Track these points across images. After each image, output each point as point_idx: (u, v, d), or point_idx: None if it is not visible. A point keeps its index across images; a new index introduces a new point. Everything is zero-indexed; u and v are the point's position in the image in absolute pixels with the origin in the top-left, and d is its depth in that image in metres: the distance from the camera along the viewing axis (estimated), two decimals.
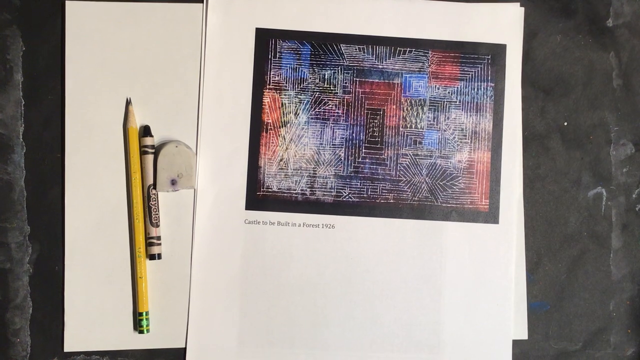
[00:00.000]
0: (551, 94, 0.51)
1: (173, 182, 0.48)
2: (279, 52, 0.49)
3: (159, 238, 0.48)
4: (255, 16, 0.49)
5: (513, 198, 0.50)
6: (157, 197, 0.48)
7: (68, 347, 0.48)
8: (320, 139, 0.50)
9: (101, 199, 0.48)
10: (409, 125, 0.50)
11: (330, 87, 0.50)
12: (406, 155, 0.50)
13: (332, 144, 0.50)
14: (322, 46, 0.49)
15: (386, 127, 0.50)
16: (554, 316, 0.50)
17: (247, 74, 0.49)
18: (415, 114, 0.50)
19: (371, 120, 0.50)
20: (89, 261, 0.48)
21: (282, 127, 0.49)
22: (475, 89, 0.50)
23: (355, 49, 0.49)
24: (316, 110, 0.50)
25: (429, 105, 0.50)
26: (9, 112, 0.49)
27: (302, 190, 0.49)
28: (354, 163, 0.50)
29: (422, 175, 0.50)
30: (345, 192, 0.49)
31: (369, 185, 0.50)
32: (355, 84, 0.50)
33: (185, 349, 0.48)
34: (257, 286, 0.49)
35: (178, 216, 0.49)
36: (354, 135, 0.50)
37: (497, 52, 0.50)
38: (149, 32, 0.49)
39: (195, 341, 0.48)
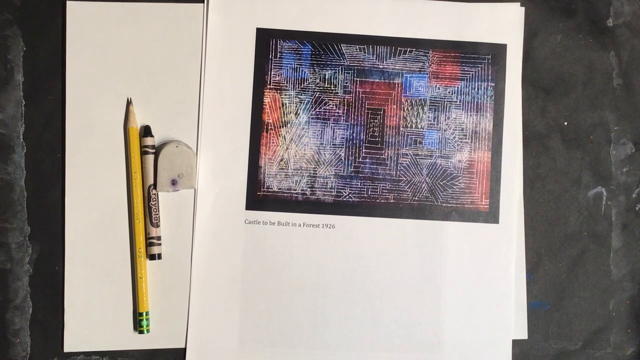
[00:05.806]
0: (551, 93, 0.51)
1: (173, 182, 0.48)
2: (279, 52, 0.49)
3: (159, 238, 0.48)
4: (255, 16, 0.49)
5: (513, 198, 0.50)
6: (158, 197, 0.48)
7: (68, 347, 0.48)
8: (321, 139, 0.50)
9: (101, 199, 0.48)
10: (409, 125, 0.50)
11: (330, 87, 0.50)
12: (406, 155, 0.50)
13: (333, 144, 0.50)
14: (322, 46, 0.49)
15: (386, 127, 0.50)
16: (554, 316, 0.50)
17: (248, 74, 0.49)
18: (415, 113, 0.50)
19: (371, 120, 0.50)
20: (89, 261, 0.48)
21: (283, 127, 0.49)
22: (476, 89, 0.50)
23: (356, 49, 0.50)
24: (317, 110, 0.50)
25: (430, 105, 0.50)
26: (9, 112, 0.49)
27: (302, 190, 0.49)
28: (354, 163, 0.50)
29: (422, 175, 0.50)
30: (345, 192, 0.49)
31: (369, 185, 0.50)
32: (356, 84, 0.50)
33: (185, 349, 0.48)
34: (257, 286, 0.49)
35: (178, 216, 0.49)
36: (354, 135, 0.50)
37: (497, 52, 0.50)
38: (150, 32, 0.49)
39: (195, 341, 0.48)
